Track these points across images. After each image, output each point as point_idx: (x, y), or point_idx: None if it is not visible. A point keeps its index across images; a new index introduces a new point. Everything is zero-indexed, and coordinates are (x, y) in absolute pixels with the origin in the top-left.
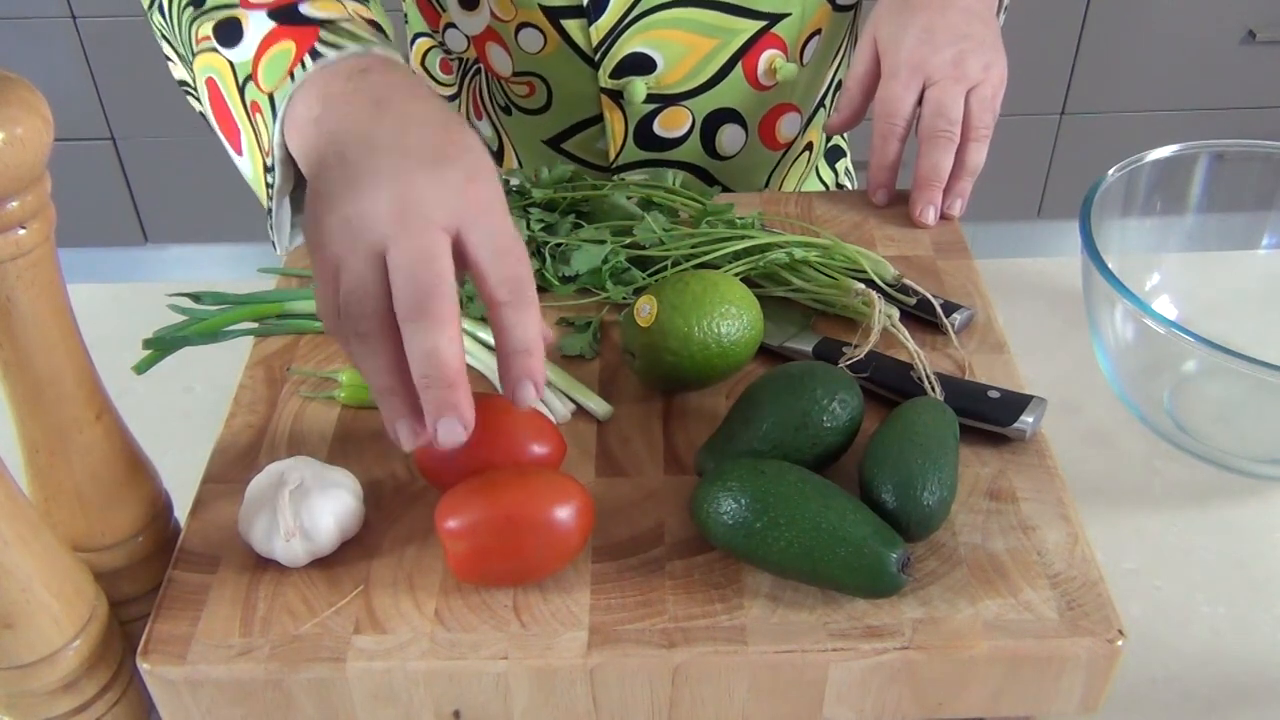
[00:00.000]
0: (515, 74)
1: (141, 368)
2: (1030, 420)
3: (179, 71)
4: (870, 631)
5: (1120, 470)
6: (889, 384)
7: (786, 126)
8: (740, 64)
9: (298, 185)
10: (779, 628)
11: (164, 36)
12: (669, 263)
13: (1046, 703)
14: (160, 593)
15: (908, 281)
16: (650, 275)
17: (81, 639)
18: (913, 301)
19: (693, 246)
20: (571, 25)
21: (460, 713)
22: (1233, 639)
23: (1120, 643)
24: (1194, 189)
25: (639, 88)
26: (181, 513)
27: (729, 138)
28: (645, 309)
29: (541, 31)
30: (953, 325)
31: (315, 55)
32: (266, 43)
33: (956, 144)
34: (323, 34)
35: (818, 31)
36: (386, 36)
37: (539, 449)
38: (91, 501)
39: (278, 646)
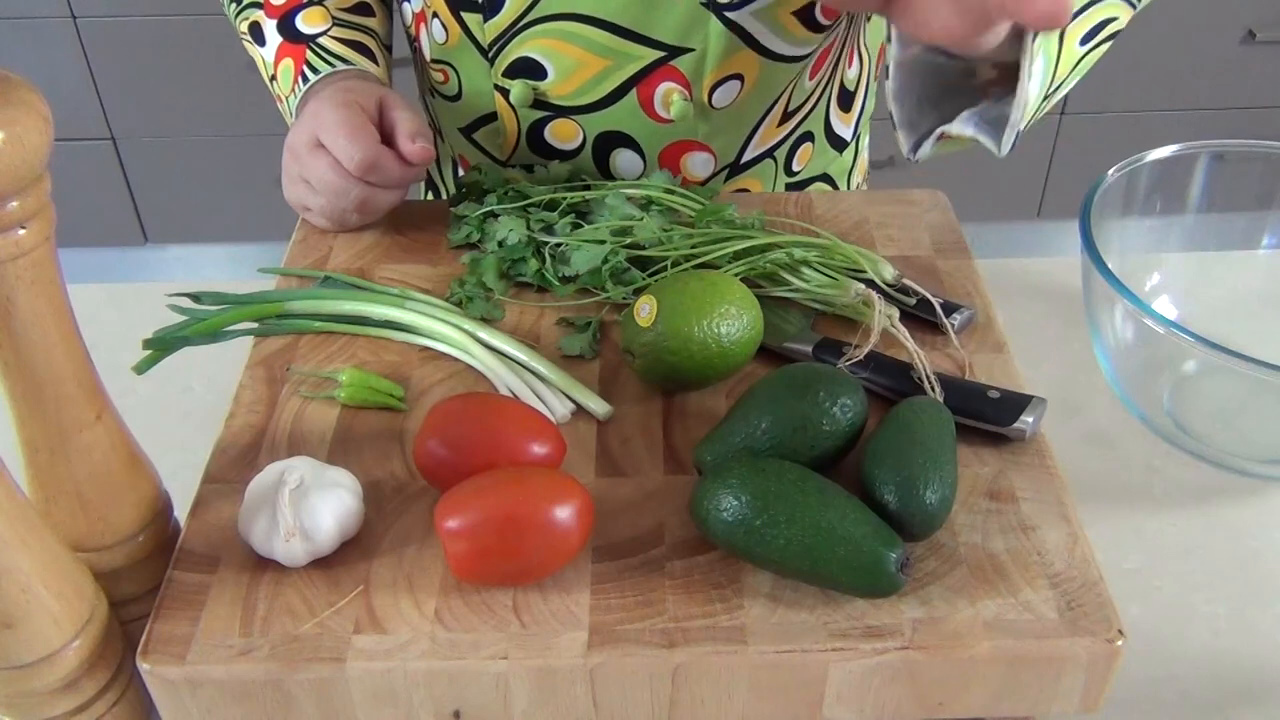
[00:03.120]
0: (432, 60)
1: (141, 368)
2: (1030, 420)
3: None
4: (870, 631)
5: (1120, 470)
6: (889, 384)
7: (695, 166)
8: (635, 91)
9: None
10: (779, 628)
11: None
12: (669, 263)
13: (1046, 703)
14: (160, 593)
15: (908, 281)
16: (650, 275)
17: (81, 639)
18: (913, 301)
19: (693, 246)
20: (470, 19)
21: (460, 713)
22: (1233, 639)
23: (1120, 643)
24: (1194, 189)
25: (522, 91)
26: (181, 513)
27: (624, 162)
28: (645, 309)
29: (444, 25)
30: (953, 325)
31: (305, 78)
32: (279, 55)
33: None
34: (309, 55)
35: (736, 77)
36: (362, 32)
37: (539, 449)
38: (91, 501)
39: (278, 646)
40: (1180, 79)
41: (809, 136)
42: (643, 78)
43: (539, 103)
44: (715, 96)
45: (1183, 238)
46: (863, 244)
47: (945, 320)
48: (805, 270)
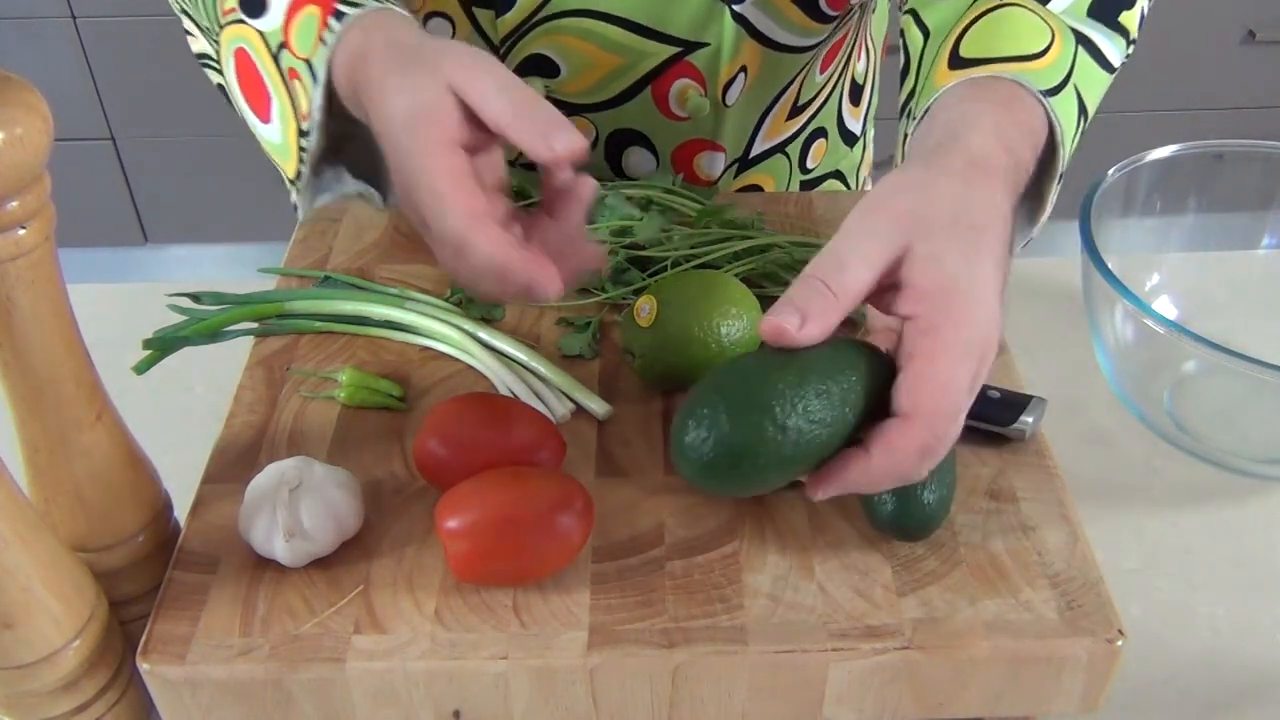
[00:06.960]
0: None
1: (141, 368)
2: (1030, 420)
3: (198, 45)
4: (870, 631)
5: (1120, 470)
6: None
7: (707, 164)
8: (649, 88)
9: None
10: (779, 628)
11: (183, 10)
12: (669, 263)
13: (1046, 703)
14: (160, 593)
15: None
16: (650, 275)
17: (81, 639)
18: None
19: (692, 246)
20: (482, 15)
21: (460, 713)
22: (1233, 639)
23: (1120, 643)
24: (1194, 189)
25: (535, 87)
26: (181, 513)
27: (636, 161)
28: (645, 309)
29: (451, 21)
30: None
31: (339, 15)
32: (291, 11)
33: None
34: None
35: (742, 70)
36: None
37: (539, 449)
38: (91, 501)
39: (278, 646)
40: (1180, 79)
41: (822, 133)
42: (658, 75)
43: (550, 101)
44: (729, 94)
45: (1183, 238)
46: None
47: None
48: None
